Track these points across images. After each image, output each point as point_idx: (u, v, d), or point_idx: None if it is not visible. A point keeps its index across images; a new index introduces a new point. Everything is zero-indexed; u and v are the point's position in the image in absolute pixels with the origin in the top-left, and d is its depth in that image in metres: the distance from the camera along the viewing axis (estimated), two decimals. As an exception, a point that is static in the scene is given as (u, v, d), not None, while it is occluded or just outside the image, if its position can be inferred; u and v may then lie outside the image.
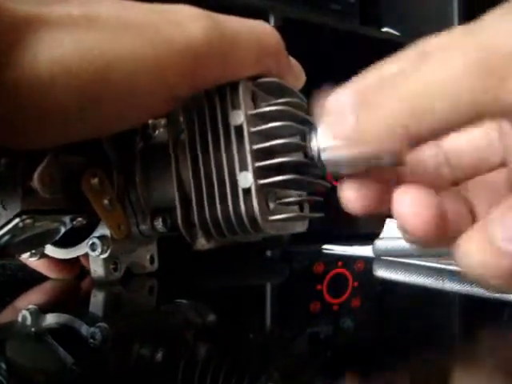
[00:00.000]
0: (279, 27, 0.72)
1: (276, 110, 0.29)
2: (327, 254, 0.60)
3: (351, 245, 0.60)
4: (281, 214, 0.30)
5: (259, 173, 0.29)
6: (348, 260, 0.56)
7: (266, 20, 0.72)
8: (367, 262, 0.53)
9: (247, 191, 0.29)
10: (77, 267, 0.39)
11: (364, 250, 0.57)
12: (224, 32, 0.27)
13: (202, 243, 0.32)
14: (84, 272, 0.39)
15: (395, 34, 0.92)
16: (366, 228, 0.86)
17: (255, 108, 0.30)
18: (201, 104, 0.30)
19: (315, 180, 0.30)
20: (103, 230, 0.35)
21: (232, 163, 0.29)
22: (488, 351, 0.25)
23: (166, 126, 0.35)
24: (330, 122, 0.22)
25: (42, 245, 0.36)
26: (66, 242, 0.36)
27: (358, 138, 0.21)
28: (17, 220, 0.29)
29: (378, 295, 0.42)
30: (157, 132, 0.36)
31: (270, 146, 0.29)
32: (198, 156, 0.30)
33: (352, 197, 0.22)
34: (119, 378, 0.21)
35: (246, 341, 0.26)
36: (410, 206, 0.20)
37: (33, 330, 0.26)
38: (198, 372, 0.21)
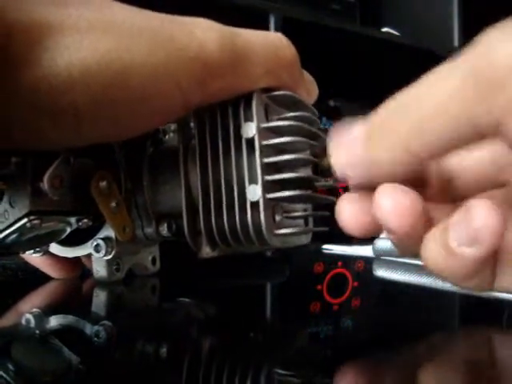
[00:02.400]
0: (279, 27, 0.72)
1: (288, 125, 0.29)
2: (327, 254, 0.60)
3: (351, 245, 0.60)
4: (286, 227, 0.30)
5: (268, 186, 0.29)
6: (348, 260, 0.56)
7: (266, 20, 0.72)
8: (367, 262, 0.53)
9: (255, 204, 0.29)
10: (79, 267, 0.39)
11: (364, 250, 0.57)
12: (236, 43, 0.27)
13: (206, 251, 0.32)
14: (85, 272, 0.39)
15: (395, 34, 0.92)
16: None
17: (267, 120, 0.30)
18: (213, 112, 0.30)
19: (322, 196, 0.30)
20: (108, 231, 0.35)
21: (241, 175, 0.29)
22: (487, 351, 0.25)
23: (176, 131, 0.35)
24: (339, 147, 0.23)
25: (47, 243, 0.36)
26: (70, 240, 0.36)
27: (364, 165, 0.21)
28: (25, 220, 0.29)
29: (378, 295, 0.42)
30: (167, 137, 0.36)
31: (281, 161, 0.29)
32: (207, 164, 0.30)
33: (350, 215, 0.23)
34: (125, 374, 0.22)
35: (246, 340, 0.26)
36: (391, 199, 0.21)
37: (37, 332, 0.26)
38: (203, 367, 0.22)
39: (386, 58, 0.93)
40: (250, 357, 0.23)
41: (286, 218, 0.31)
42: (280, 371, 0.21)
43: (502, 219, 0.20)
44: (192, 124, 0.32)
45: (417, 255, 0.23)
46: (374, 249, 0.53)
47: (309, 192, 0.30)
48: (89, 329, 0.27)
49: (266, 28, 0.72)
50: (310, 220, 0.34)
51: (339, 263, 0.54)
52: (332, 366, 0.23)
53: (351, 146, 0.22)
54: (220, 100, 0.29)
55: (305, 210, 0.33)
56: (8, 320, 0.29)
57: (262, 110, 0.30)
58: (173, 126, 0.36)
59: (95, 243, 0.35)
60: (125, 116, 0.25)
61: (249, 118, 0.29)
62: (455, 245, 0.21)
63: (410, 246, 0.23)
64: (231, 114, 0.30)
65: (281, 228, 0.30)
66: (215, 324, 0.30)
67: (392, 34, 0.93)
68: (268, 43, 0.29)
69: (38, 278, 0.39)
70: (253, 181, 0.29)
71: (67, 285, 0.38)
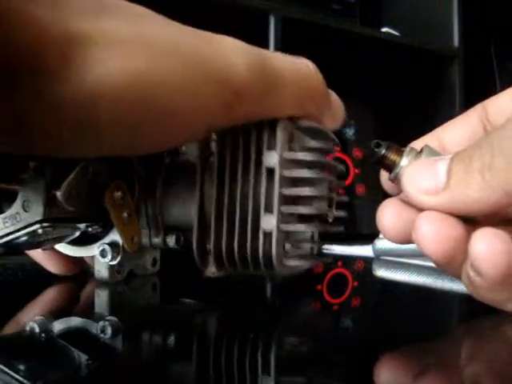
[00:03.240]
0: (279, 27, 0.72)
1: (311, 160, 0.30)
2: (327, 254, 0.60)
3: (351, 245, 0.60)
4: (294, 255, 0.31)
5: (282, 216, 0.29)
6: (348, 260, 0.56)
7: (266, 20, 0.72)
8: (367, 261, 0.53)
9: (268, 233, 0.29)
10: (78, 265, 0.39)
11: (364, 250, 0.57)
12: (267, 70, 0.27)
13: (212, 270, 0.32)
14: (84, 273, 0.39)
15: (395, 34, 0.92)
16: (366, 228, 0.86)
17: (290, 148, 0.30)
18: (236, 134, 0.30)
19: (333, 229, 0.31)
20: (114, 235, 0.35)
21: (257, 201, 0.29)
22: (487, 351, 0.25)
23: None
24: (419, 175, 0.23)
25: (54, 245, 0.36)
26: (76, 240, 0.36)
27: (446, 199, 0.22)
28: (37, 226, 0.29)
29: (378, 295, 0.42)
30: (184, 148, 0.35)
31: (299, 193, 0.29)
32: (224, 185, 0.30)
33: (391, 223, 0.24)
34: (135, 367, 0.22)
35: (246, 339, 0.26)
36: (431, 225, 0.22)
37: (43, 335, 0.26)
38: (212, 356, 0.22)
39: (386, 58, 0.93)
40: (250, 356, 0.23)
41: (294, 246, 0.31)
42: (280, 371, 0.21)
43: (508, 248, 0.20)
44: (213, 142, 0.32)
45: (458, 278, 0.24)
46: (374, 249, 0.53)
47: (321, 226, 0.30)
48: (94, 327, 0.27)
49: (266, 28, 0.72)
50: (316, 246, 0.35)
51: (339, 263, 0.54)
52: (332, 366, 0.23)
53: (433, 178, 0.22)
54: (243, 123, 0.29)
55: (312, 237, 0.34)
56: (12, 329, 0.29)
57: (287, 138, 0.30)
58: None
59: (101, 248, 0.34)
60: (147, 135, 0.25)
61: (272, 147, 0.29)
62: (472, 274, 0.21)
63: (448, 269, 0.23)
64: (254, 139, 0.30)
65: (289, 256, 0.30)
66: (215, 324, 0.30)
67: (392, 34, 0.93)
68: (297, 72, 0.28)
69: (37, 278, 0.39)
70: (268, 210, 0.29)
71: (67, 290, 0.38)
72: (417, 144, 0.28)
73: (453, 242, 0.22)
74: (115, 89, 0.22)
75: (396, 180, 0.25)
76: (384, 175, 0.28)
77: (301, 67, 0.29)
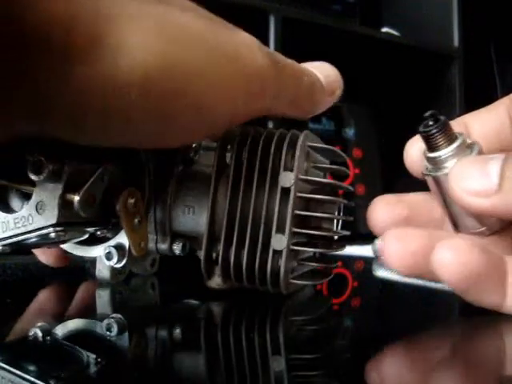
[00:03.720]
0: (279, 27, 0.72)
1: (326, 183, 0.31)
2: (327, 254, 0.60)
3: (351, 245, 0.60)
4: (300, 272, 0.32)
5: (292, 235, 0.30)
6: (348, 260, 0.56)
7: (266, 20, 0.72)
8: (367, 262, 0.53)
9: (278, 252, 0.29)
10: (67, 259, 0.39)
11: (364, 250, 0.57)
12: (285, 71, 0.28)
13: (217, 282, 0.32)
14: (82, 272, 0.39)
15: (395, 34, 0.92)
16: (366, 228, 0.86)
17: (306, 169, 0.30)
18: (254, 151, 0.30)
19: (337, 250, 0.33)
20: (121, 238, 0.34)
21: (269, 219, 0.30)
22: (487, 351, 0.25)
23: (205, 148, 0.35)
24: (470, 173, 0.21)
25: (59, 245, 0.36)
26: (82, 240, 0.36)
27: (499, 203, 0.21)
28: (50, 230, 0.29)
29: (378, 295, 0.42)
30: (197, 156, 0.35)
31: (311, 215, 0.30)
32: (237, 199, 0.30)
33: (380, 221, 0.24)
34: (145, 363, 0.22)
35: (247, 338, 0.26)
36: (397, 244, 0.22)
37: (48, 338, 0.26)
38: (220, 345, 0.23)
39: (386, 58, 0.93)
40: (250, 355, 0.23)
41: (299, 264, 0.32)
42: (280, 371, 0.21)
43: (467, 259, 0.20)
44: (228, 154, 0.32)
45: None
46: (374, 249, 0.53)
47: (327, 246, 0.32)
48: (99, 326, 0.28)
49: (266, 28, 0.72)
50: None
51: (339, 263, 0.54)
52: (332, 367, 0.23)
53: (485, 179, 0.21)
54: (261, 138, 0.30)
55: (314, 254, 0.34)
56: (15, 336, 0.28)
57: (304, 159, 0.30)
58: (204, 142, 0.35)
59: (107, 250, 0.34)
60: (174, 126, 0.25)
61: (288, 167, 0.29)
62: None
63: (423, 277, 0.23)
64: (271, 158, 0.30)
65: (295, 274, 0.31)
66: (218, 319, 0.30)
67: (392, 34, 0.93)
68: (294, 71, 0.29)
69: (37, 279, 0.39)
70: (280, 230, 0.29)
71: (67, 293, 0.38)
72: None
73: (415, 257, 0.22)
74: (147, 78, 0.21)
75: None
76: (410, 152, 0.26)
77: (297, 66, 0.30)
